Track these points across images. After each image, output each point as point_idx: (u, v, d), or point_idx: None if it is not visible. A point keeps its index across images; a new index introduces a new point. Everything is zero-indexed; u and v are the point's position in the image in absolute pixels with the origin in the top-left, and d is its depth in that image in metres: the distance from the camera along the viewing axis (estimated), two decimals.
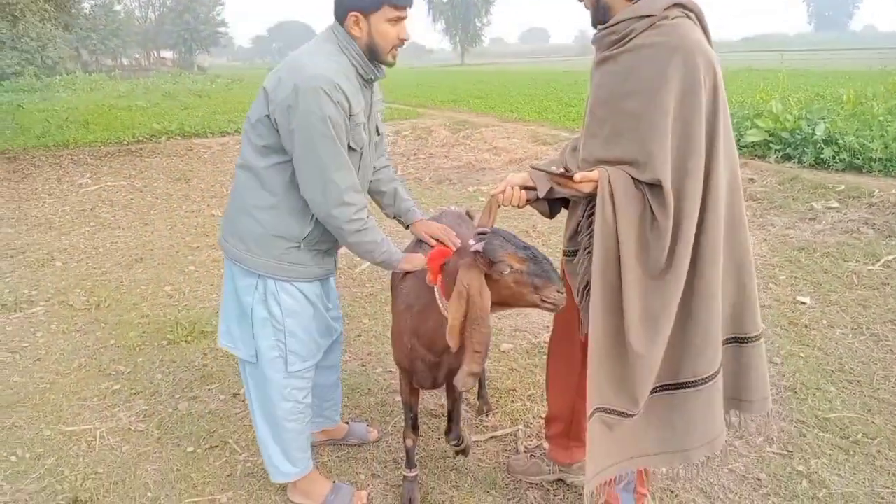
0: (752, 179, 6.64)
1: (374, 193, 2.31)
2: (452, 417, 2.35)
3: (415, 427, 2.36)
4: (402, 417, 2.46)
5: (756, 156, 7.58)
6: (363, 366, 3.43)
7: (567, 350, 2.15)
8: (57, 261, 5.33)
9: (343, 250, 2.19)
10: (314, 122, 1.76)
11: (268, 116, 1.85)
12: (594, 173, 1.69)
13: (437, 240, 2.09)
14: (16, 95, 21.38)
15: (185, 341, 3.75)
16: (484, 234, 1.83)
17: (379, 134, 2.14)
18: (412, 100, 18.29)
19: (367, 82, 1.95)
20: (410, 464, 2.38)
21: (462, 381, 1.83)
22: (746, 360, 1.89)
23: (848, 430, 2.73)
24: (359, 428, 2.75)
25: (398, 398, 3.04)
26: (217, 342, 2.24)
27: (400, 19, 1.87)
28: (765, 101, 8.65)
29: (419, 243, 2.19)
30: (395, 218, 2.35)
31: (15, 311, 4.29)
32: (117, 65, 54.93)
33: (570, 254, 1.96)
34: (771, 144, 7.47)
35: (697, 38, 1.63)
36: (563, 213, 2.08)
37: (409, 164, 9.55)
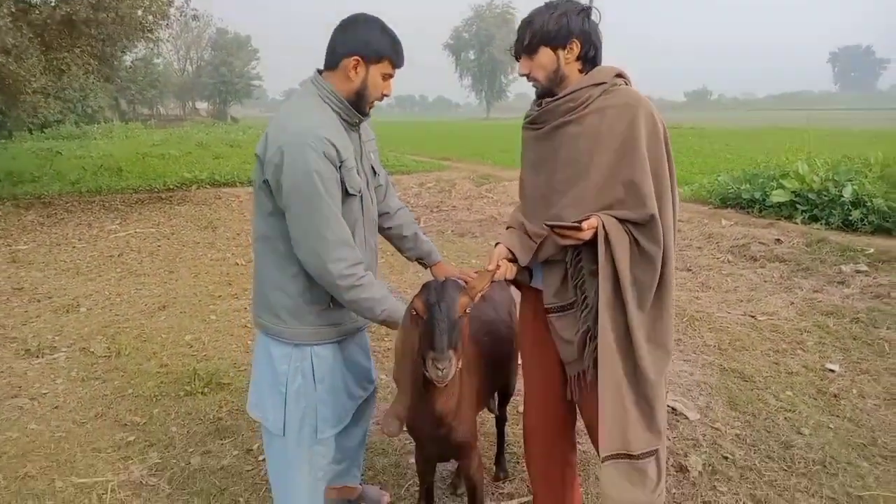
0: (778, 240, 6.55)
1: (395, 238, 2.31)
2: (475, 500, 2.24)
3: (429, 499, 2.29)
4: (417, 481, 2.40)
5: (782, 216, 7.51)
6: (377, 424, 3.38)
7: (550, 421, 2.18)
8: (82, 307, 5.41)
9: None
10: (301, 178, 1.76)
11: (266, 182, 1.85)
12: (593, 220, 1.82)
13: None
14: (55, 143, 22.24)
15: (202, 393, 3.74)
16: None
17: (376, 174, 2.13)
18: (437, 153, 18.57)
19: (352, 126, 1.96)
20: None
21: (383, 419, 1.82)
22: None
23: None
24: (372, 491, 2.68)
25: (412, 459, 2.98)
26: (247, 409, 2.19)
27: (390, 76, 1.94)
28: (790, 161, 8.62)
29: None
30: (417, 260, 2.36)
31: (38, 356, 4.34)
32: (153, 114, 56.91)
33: (556, 309, 2.00)
34: (797, 205, 7.40)
35: (646, 97, 1.90)
36: None
37: (433, 217, 9.63)
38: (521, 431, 3.25)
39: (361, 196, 1.97)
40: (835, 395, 3.57)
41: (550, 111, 1.94)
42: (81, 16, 8.91)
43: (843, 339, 4.34)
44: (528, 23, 1.91)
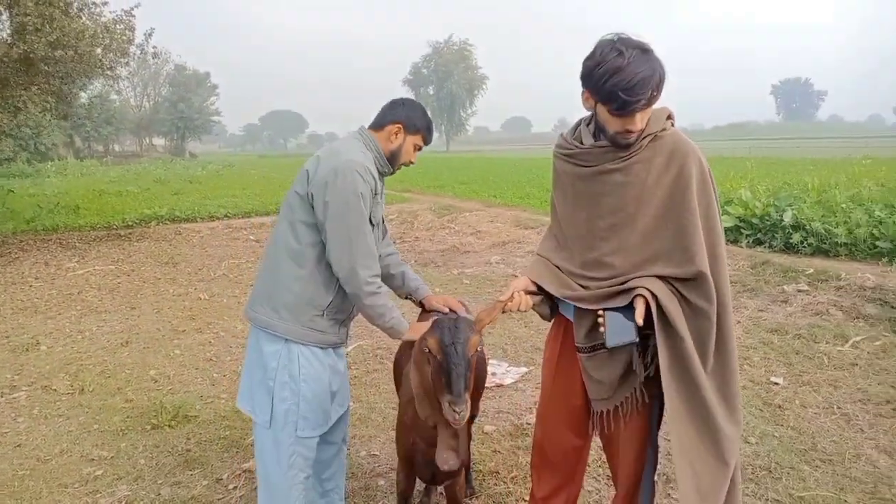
0: None
1: (385, 277, 2.52)
2: None
3: None
4: (386, 502, 2.48)
5: (728, 241, 7.87)
6: (346, 448, 3.45)
7: (560, 456, 2.15)
8: (42, 345, 5.34)
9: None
10: (349, 196, 2.07)
11: (308, 194, 2.13)
12: (641, 303, 1.76)
13: (451, 309, 2.38)
14: (6, 181, 21.65)
15: (169, 426, 3.75)
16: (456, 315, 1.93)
17: (382, 221, 2.43)
18: (398, 185, 18.77)
19: (381, 175, 2.30)
20: None
21: (440, 456, 1.84)
22: None
23: None
24: None
25: (381, 482, 3.07)
26: (237, 403, 2.34)
27: (419, 148, 2.36)
28: (735, 189, 9.07)
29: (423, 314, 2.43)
30: (407, 297, 2.58)
31: None
32: (109, 151, 55.94)
33: (587, 350, 1.96)
34: (742, 230, 7.79)
35: (692, 141, 1.86)
36: None
37: (396, 248, 9.74)
38: (486, 450, 3.38)
39: (375, 229, 2.26)
40: (779, 406, 3.79)
41: (594, 155, 1.87)
42: (39, 54, 8.87)
43: (787, 354, 4.61)
44: (651, 78, 1.67)
